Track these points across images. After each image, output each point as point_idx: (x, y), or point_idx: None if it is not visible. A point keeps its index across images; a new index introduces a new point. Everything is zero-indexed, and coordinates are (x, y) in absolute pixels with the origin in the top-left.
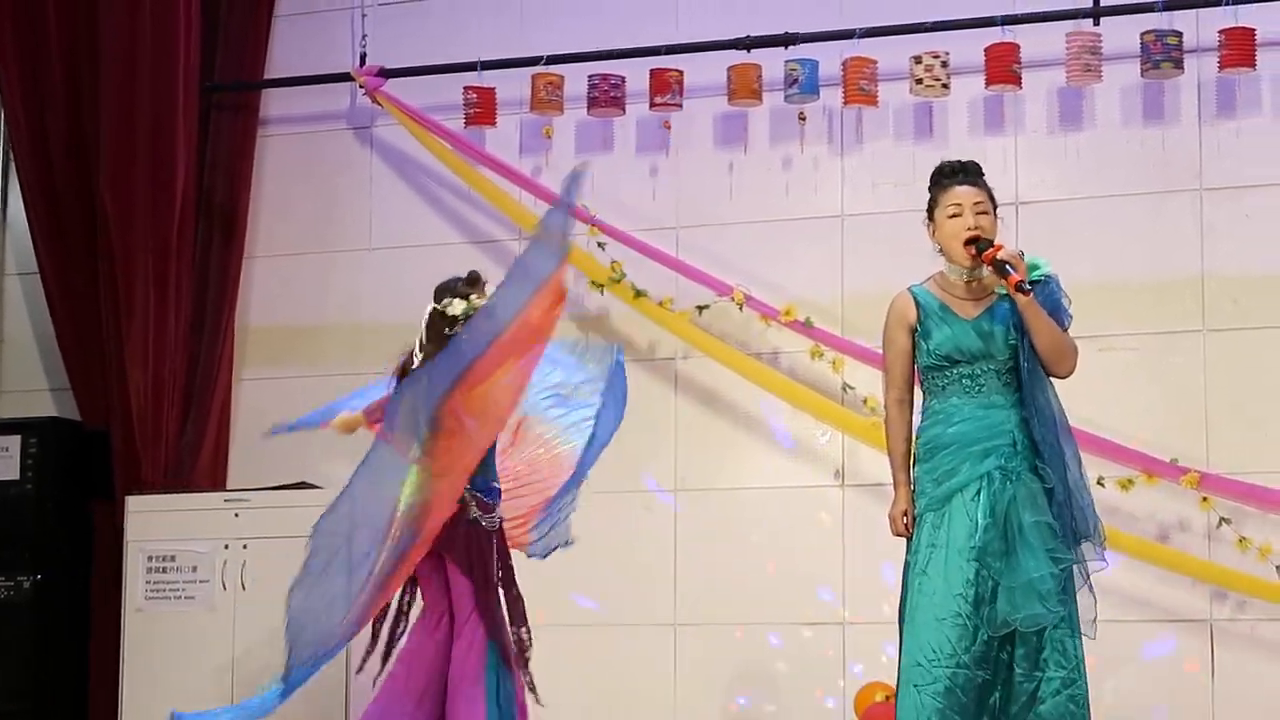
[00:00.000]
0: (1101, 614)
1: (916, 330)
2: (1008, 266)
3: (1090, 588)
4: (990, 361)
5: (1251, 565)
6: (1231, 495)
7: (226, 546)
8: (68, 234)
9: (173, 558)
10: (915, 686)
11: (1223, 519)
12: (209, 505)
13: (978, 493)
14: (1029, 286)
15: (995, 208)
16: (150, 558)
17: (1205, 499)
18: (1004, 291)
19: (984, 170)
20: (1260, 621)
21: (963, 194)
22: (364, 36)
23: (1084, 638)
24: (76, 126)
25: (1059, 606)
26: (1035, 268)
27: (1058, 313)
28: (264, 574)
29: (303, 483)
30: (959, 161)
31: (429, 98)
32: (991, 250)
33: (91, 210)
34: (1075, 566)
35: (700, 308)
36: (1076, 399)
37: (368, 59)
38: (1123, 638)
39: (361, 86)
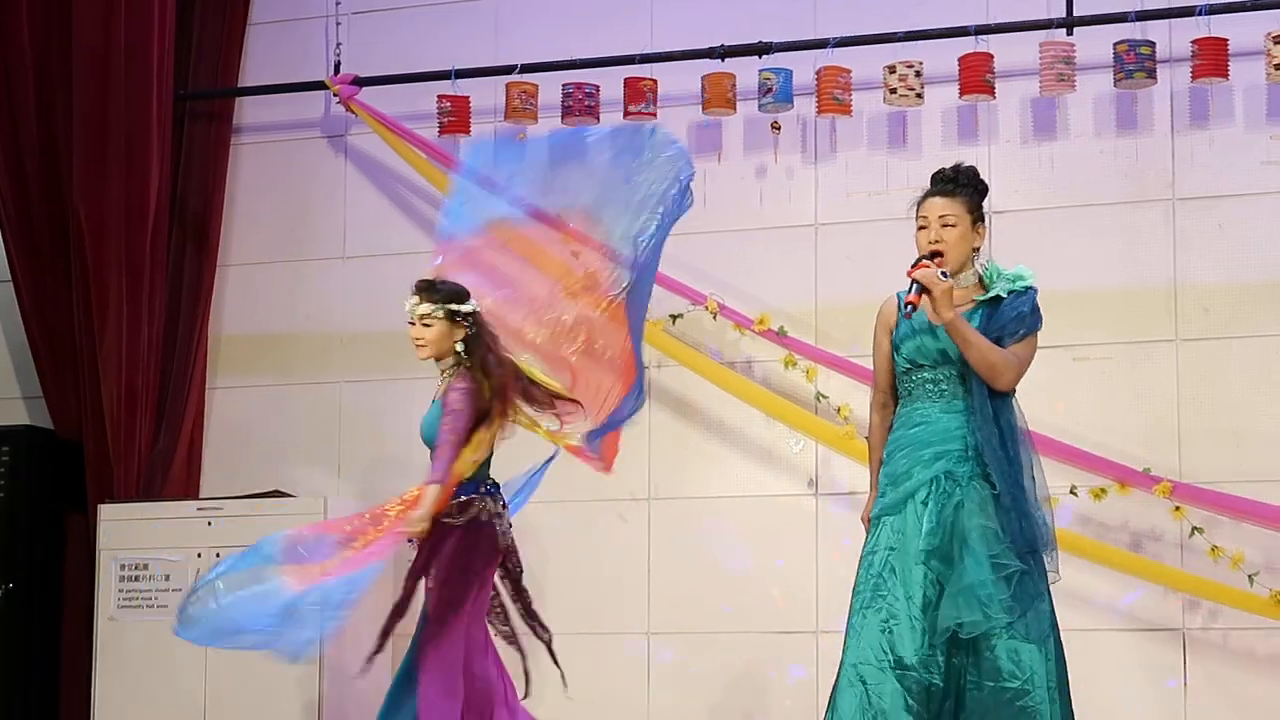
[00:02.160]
0: (1074, 623)
1: (894, 334)
2: (915, 285)
3: (1036, 602)
4: (953, 367)
5: (1224, 574)
6: (1204, 504)
7: (199, 555)
8: (40, 242)
9: (145, 566)
10: (864, 683)
11: (1195, 528)
12: (182, 514)
13: (927, 496)
14: (910, 310)
15: (975, 218)
16: (123, 566)
17: (1178, 508)
18: (981, 299)
19: (974, 178)
20: (1233, 631)
21: (931, 206)
22: (338, 45)
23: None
24: (49, 134)
25: (1002, 613)
26: (1020, 278)
27: (1012, 324)
28: None
29: (276, 491)
30: (947, 170)
31: (403, 106)
32: (914, 267)
33: (64, 218)
34: (1034, 576)
35: (674, 316)
36: (1049, 408)
37: (342, 67)
38: (1095, 647)
39: (336, 95)
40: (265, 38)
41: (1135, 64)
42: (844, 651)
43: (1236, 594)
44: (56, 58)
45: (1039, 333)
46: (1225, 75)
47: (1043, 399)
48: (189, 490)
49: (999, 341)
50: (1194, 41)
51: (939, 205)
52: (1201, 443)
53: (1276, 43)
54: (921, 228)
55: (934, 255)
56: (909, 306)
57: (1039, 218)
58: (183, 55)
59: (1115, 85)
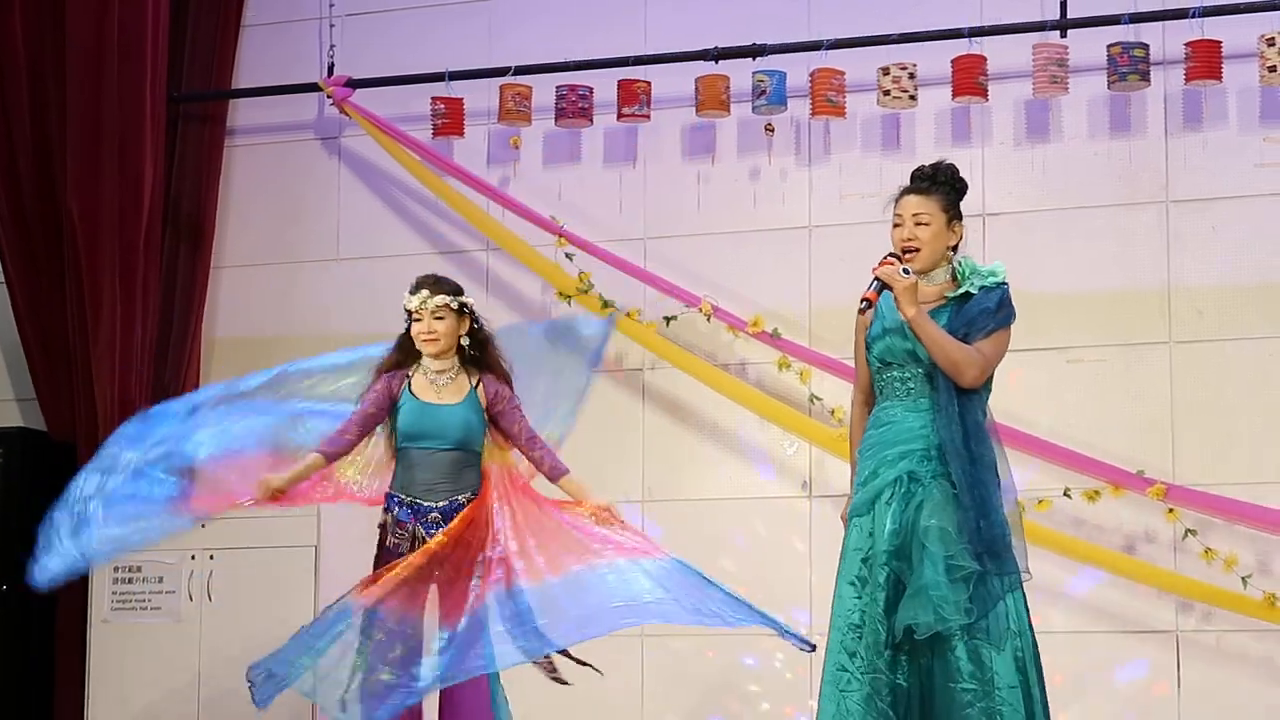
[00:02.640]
0: (1068, 625)
1: (867, 333)
2: (875, 282)
3: (999, 603)
4: (919, 366)
5: (1217, 576)
6: (1197, 507)
7: (193, 557)
8: (34, 243)
9: (139, 569)
10: (840, 691)
11: (1189, 530)
12: None
13: (891, 496)
14: (865, 306)
15: (950, 215)
16: (116, 569)
17: (1171, 510)
18: (951, 295)
19: (953, 177)
20: (1226, 633)
21: (905, 204)
22: (332, 47)
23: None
24: (43, 136)
25: (957, 615)
26: (992, 274)
27: (979, 319)
28: (230, 585)
29: None
30: (925, 168)
31: (397, 108)
32: (879, 264)
33: (58, 220)
34: (1000, 579)
35: (668, 319)
36: (1042, 410)
37: (335, 69)
38: (1089, 649)
39: (329, 97)
40: (258, 40)
41: (1129, 66)
42: (825, 654)
43: (1230, 596)
44: (50, 57)
45: (1010, 329)
46: (1219, 78)
47: (1035, 401)
48: None
49: (965, 337)
50: (1187, 44)
51: (913, 203)
52: (1195, 445)
53: (1270, 45)
54: (896, 225)
55: (906, 253)
56: (864, 303)
57: (1032, 220)
58: (176, 57)
59: (1109, 87)
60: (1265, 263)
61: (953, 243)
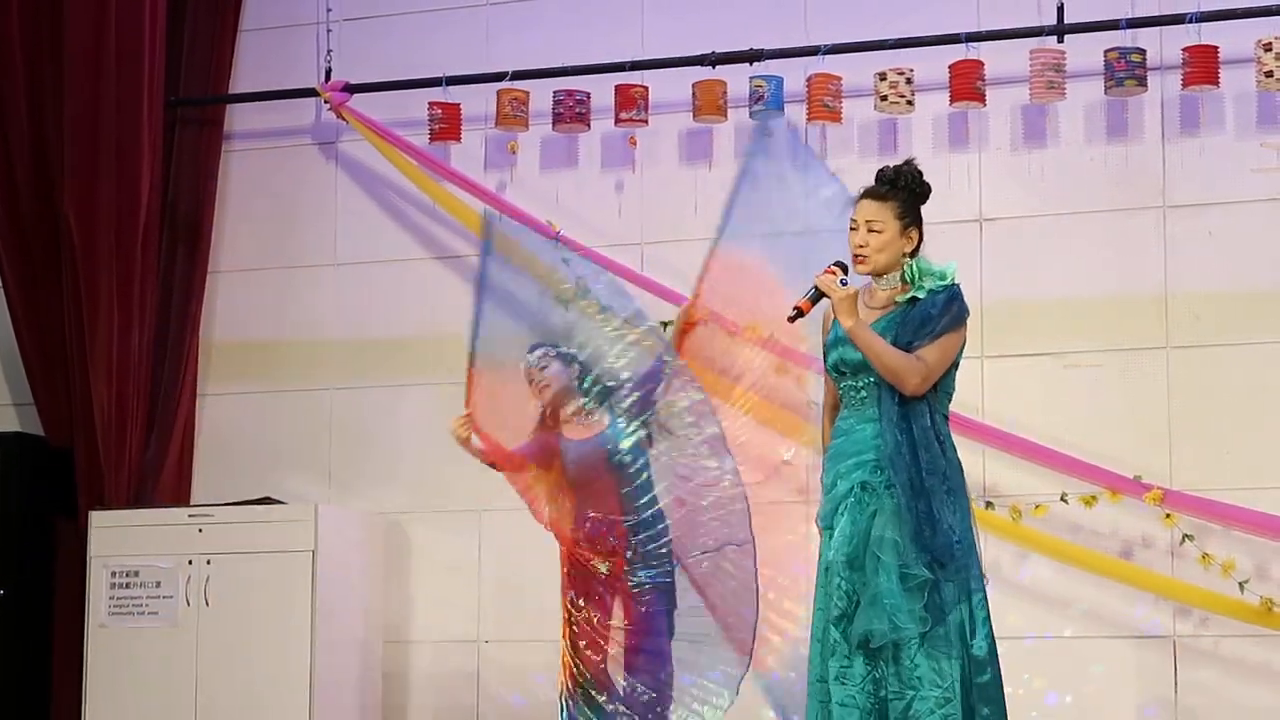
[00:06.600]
0: (1064, 630)
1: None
2: (812, 290)
3: (950, 609)
4: (870, 375)
5: (1214, 582)
6: (1194, 512)
7: (190, 562)
8: (31, 249)
9: (136, 573)
10: (820, 702)
11: (1186, 535)
12: (173, 521)
13: (847, 507)
14: (795, 315)
15: (906, 221)
16: (114, 573)
17: (1168, 515)
18: (901, 300)
19: (913, 180)
20: (1223, 638)
21: (861, 209)
22: (329, 51)
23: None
24: (40, 141)
25: (911, 623)
26: (942, 276)
27: (923, 327)
28: (228, 590)
29: (266, 498)
30: (888, 170)
31: (394, 113)
32: (822, 272)
33: (55, 225)
34: (947, 586)
35: (665, 324)
36: (1039, 415)
37: (333, 74)
38: (1085, 655)
39: (326, 101)
40: (256, 44)
41: (1126, 71)
42: (807, 665)
43: (1227, 601)
44: (48, 61)
45: (962, 330)
46: (1216, 83)
47: (1033, 406)
48: (180, 497)
49: (910, 344)
50: (1184, 49)
51: (868, 209)
52: (1192, 450)
53: (1267, 50)
54: (852, 229)
55: (858, 259)
56: (795, 311)
57: (1029, 225)
58: (174, 61)
59: (1106, 93)
60: (1262, 267)
61: (908, 249)
